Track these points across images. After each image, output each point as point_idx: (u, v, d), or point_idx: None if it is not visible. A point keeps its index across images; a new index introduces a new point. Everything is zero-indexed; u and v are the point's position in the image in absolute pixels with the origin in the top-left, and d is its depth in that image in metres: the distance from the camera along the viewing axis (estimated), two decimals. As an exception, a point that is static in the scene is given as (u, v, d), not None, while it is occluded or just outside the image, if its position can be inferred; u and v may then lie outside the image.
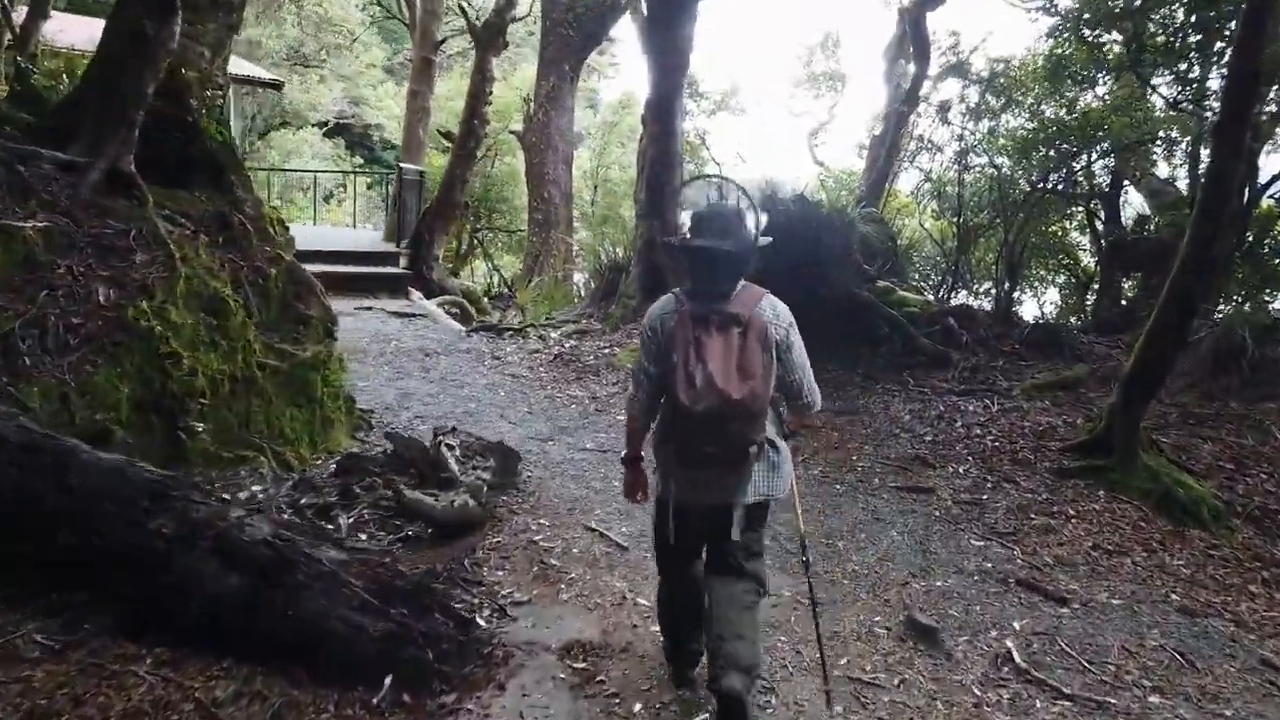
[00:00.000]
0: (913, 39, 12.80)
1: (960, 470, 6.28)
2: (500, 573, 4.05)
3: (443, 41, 16.38)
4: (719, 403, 2.64)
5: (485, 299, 14.74)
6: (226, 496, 3.78)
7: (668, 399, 2.80)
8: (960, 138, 11.45)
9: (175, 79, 5.13)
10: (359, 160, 28.64)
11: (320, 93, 28.53)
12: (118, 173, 4.48)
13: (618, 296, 10.15)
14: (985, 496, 5.76)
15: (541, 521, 4.76)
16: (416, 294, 12.19)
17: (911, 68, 13.32)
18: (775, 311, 2.84)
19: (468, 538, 4.27)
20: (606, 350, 9.11)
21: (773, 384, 2.77)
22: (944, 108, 11.81)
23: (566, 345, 9.34)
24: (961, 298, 11.72)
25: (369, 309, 10.77)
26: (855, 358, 8.64)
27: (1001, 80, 11.29)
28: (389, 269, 12.67)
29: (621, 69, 31.76)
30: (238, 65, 14.72)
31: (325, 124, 28.80)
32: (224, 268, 5.04)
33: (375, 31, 28.28)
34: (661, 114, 10.00)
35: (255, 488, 4.11)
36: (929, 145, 12.36)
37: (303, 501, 4.16)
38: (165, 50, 4.55)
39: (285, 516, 3.88)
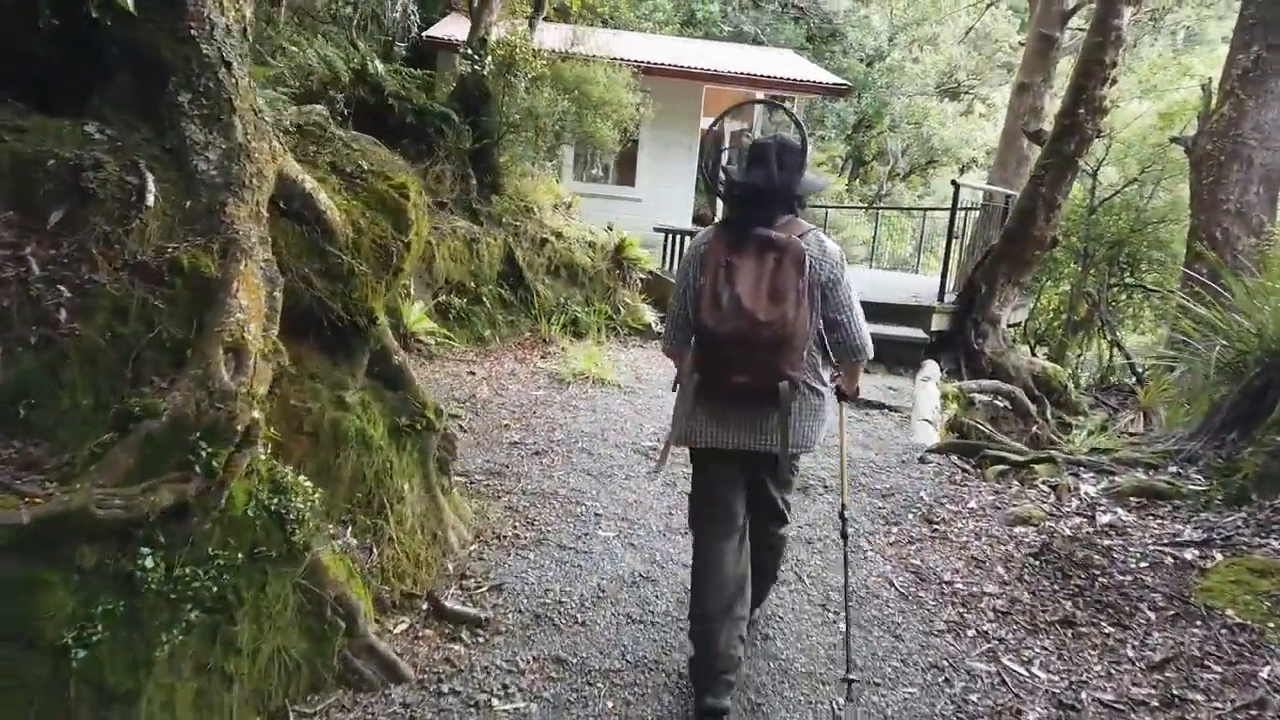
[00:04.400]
0: None
1: None
2: None
3: (1075, 9, 11.14)
4: (746, 325, 2.47)
5: (1076, 388, 9.57)
6: None
7: (695, 330, 2.62)
8: None
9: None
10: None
11: (975, 125, 24.83)
12: None
13: (1264, 425, 4.62)
14: None
15: None
16: (931, 369, 8.03)
17: None
18: (823, 248, 2.65)
19: None
20: (1188, 549, 3.92)
21: (810, 315, 2.56)
22: None
23: (1099, 518, 4.37)
24: None
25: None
26: None
27: None
28: (908, 331, 8.69)
29: None
30: (801, 69, 12.26)
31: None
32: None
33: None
34: None
35: None
36: None
37: None
38: None
39: None
